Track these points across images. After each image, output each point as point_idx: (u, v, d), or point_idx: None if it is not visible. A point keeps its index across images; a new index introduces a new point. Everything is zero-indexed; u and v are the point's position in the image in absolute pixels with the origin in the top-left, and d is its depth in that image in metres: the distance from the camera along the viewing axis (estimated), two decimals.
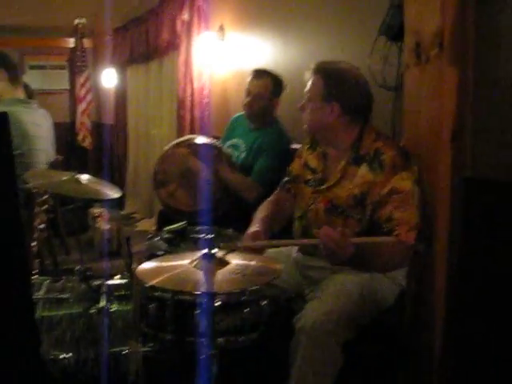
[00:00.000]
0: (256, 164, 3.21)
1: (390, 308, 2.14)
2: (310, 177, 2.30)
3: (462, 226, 2.08)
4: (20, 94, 3.30)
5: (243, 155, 3.33)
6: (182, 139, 3.37)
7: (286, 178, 2.45)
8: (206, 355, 1.57)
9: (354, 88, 2.14)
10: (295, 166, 2.42)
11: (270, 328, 1.90)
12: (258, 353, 1.94)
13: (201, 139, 3.39)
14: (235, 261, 1.52)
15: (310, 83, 2.20)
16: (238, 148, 3.38)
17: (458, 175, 2.07)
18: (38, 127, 3.31)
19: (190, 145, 3.26)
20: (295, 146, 3.30)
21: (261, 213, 2.34)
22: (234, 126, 3.57)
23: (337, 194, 2.15)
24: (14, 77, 3.20)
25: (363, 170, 2.09)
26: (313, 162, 2.31)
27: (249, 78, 3.37)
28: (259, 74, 3.36)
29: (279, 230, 2.35)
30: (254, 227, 2.18)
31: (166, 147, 3.34)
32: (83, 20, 7.71)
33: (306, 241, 2.13)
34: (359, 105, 2.16)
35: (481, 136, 2.02)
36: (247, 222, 2.28)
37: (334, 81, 2.13)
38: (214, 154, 3.23)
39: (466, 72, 2.02)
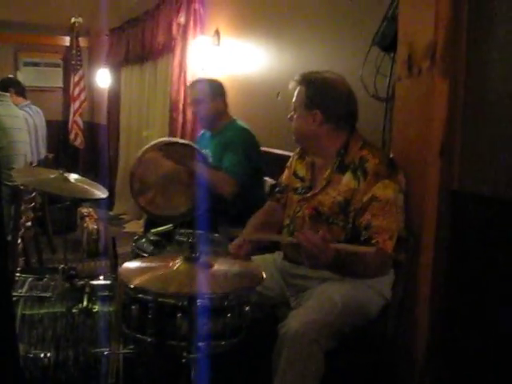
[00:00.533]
0: (224, 161, 3.21)
1: (374, 319, 2.14)
2: (298, 185, 2.32)
3: (449, 238, 2.09)
4: None
5: (211, 161, 3.35)
6: (152, 143, 3.31)
7: (277, 189, 2.47)
8: (187, 359, 1.56)
9: (336, 96, 2.15)
10: (284, 177, 2.46)
11: (252, 334, 1.89)
12: (240, 358, 1.94)
13: (172, 140, 3.41)
14: (218, 264, 1.51)
15: (295, 94, 2.23)
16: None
17: (446, 188, 2.09)
18: (15, 119, 3.28)
19: (162, 147, 3.23)
20: (281, 151, 3.33)
21: (250, 223, 2.37)
22: (200, 140, 3.59)
23: (321, 201, 2.16)
24: None
25: (347, 177, 2.10)
26: (301, 171, 2.33)
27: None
28: (192, 83, 3.51)
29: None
30: (240, 238, 2.21)
31: (138, 154, 3.30)
32: (80, 19, 7.70)
33: (289, 238, 2.13)
34: (342, 113, 2.16)
35: (469, 150, 2.04)
36: (228, 220, 2.30)
37: (316, 89, 2.16)
38: (188, 152, 3.23)
39: (457, 86, 2.04)
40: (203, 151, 3.39)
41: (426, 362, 2.13)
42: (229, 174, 3.12)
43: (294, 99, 2.23)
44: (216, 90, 3.38)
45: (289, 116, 2.26)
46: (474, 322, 2.00)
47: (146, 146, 3.29)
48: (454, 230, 2.08)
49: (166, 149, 3.22)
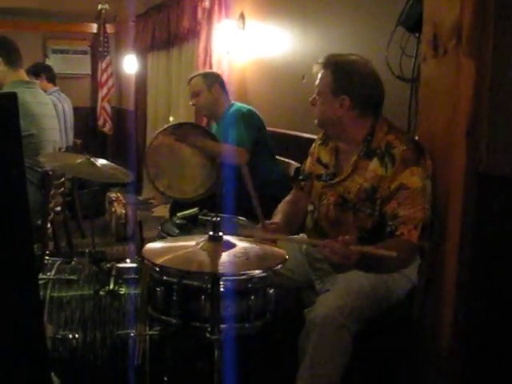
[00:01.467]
0: (229, 139, 3.30)
1: (400, 302, 2.13)
2: (322, 172, 2.28)
3: (475, 222, 2.07)
4: (22, 75, 3.31)
5: None
6: (163, 128, 3.40)
7: (300, 176, 2.45)
8: (210, 340, 1.58)
9: (364, 80, 2.09)
10: (307, 164, 2.41)
11: (276, 316, 1.90)
12: (264, 340, 1.95)
13: (181, 122, 3.56)
14: (241, 244, 1.52)
15: (319, 77, 2.17)
16: None
17: (473, 171, 2.05)
18: (43, 106, 3.31)
19: (173, 131, 3.32)
20: (309, 135, 3.32)
21: (277, 215, 2.35)
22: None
23: (348, 188, 2.13)
24: (13, 60, 3.21)
25: (374, 163, 2.06)
26: (325, 158, 2.29)
27: None
28: (189, 79, 3.63)
29: (297, 228, 2.37)
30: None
31: (151, 139, 3.38)
32: (106, 6, 7.73)
33: (315, 242, 2.10)
34: (369, 97, 2.11)
35: (497, 131, 2.00)
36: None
37: (343, 74, 2.09)
38: (197, 132, 3.36)
39: (484, 66, 1.99)
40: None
41: (452, 345, 2.11)
42: (238, 145, 3.24)
43: (317, 82, 2.17)
44: (210, 78, 3.56)
45: (310, 99, 2.20)
46: (500, 307, 1.98)
47: (157, 132, 3.39)
48: (480, 214, 2.05)
49: (176, 132, 3.32)
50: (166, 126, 3.41)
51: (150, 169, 3.28)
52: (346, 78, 2.09)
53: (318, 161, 2.32)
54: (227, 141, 3.31)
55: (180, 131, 3.33)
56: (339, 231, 2.10)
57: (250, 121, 3.34)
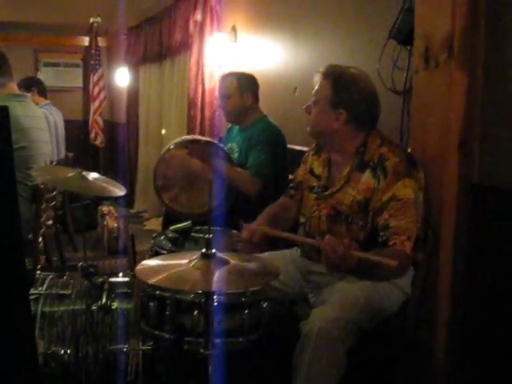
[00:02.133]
0: (249, 158, 3.19)
1: (394, 314, 2.12)
2: (314, 184, 2.28)
3: (468, 233, 2.07)
4: (13, 88, 3.28)
5: (236, 155, 3.33)
6: (177, 140, 3.30)
7: (291, 184, 2.44)
8: (204, 355, 1.56)
9: (363, 96, 2.08)
10: (300, 173, 2.41)
11: (270, 330, 1.89)
12: (258, 354, 1.93)
13: (196, 138, 3.38)
14: (233, 261, 1.51)
15: (317, 86, 2.16)
16: (233, 151, 3.38)
17: (465, 182, 2.06)
18: (34, 119, 3.28)
19: (187, 145, 3.21)
20: (300, 147, 3.32)
21: (262, 216, 2.35)
22: (228, 133, 3.59)
23: (340, 200, 2.12)
24: (3, 73, 3.18)
25: (367, 176, 2.06)
26: (318, 169, 2.29)
27: None
28: (223, 77, 3.48)
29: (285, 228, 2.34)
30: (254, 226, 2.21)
31: (163, 150, 3.29)
32: (98, 19, 7.75)
33: (310, 240, 2.09)
34: (366, 113, 2.11)
35: (489, 143, 2.00)
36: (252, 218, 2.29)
37: (344, 87, 2.08)
38: (212, 150, 3.19)
39: (476, 78, 2.01)
40: (228, 146, 3.40)
41: (447, 357, 2.10)
42: (253, 173, 3.10)
43: (315, 91, 2.16)
44: (245, 84, 3.34)
45: (305, 106, 2.19)
46: (495, 318, 1.98)
47: (171, 144, 3.28)
48: (473, 225, 2.05)
49: (190, 146, 3.19)
50: (180, 140, 3.31)
51: (158, 180, 3.20)
52: (346, 91, 2.08)
53: (311, 172, 2.32)
54: (245, 156, 3.22)
55: (194, 146, 3.20)
56: None
57: (276, 152, 3.18)
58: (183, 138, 3.43)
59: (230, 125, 3.62)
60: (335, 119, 2.10)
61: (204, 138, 3.37)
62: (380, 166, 2.04)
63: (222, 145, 3.36)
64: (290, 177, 3.26)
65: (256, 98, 3.38)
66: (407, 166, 2.02)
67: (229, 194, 3.14)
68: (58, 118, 5.04)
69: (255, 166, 3.12)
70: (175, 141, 3.30)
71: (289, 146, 3.53)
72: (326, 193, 2.19)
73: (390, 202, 1.98)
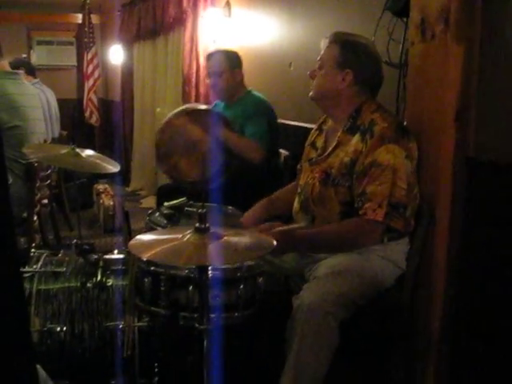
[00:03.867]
0: (248, 129, 3.20)
1: (389, 289, 2.12)
2: (313, 155, 2.30)
3: (464, 207, 2.06)
4: (5, 66, 3.25)
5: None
6: (179, 109, 3.29)
7: (298, 166, 2.46)
8: (199, 330, 1.55)
9: (370, 59, 2.13)
10: (303, 157, 2.42)
11: (266, 305, 1.89)
12: (253, 329, 1.94)
13: (198, 106, 3.36)
14: (227, 235, 1.50)
15: (324, 51, 2.18)
16: None
17: (461, 156, 2.04)
18: (28, 97, 3.26)
19: (189, 113, 3.20)
20: (295, 122, 3.30)
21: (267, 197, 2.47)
22: (216, 108, 3.56)
23: (331, 163, 2.14)
24: None
25: (356, 138, 2.08)
26: (318, 142, 2.32)
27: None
28: (210, 55, 3.46)
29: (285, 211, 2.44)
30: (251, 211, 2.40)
31: (165, 118, 3.26)
32: None
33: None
34: (371, 77, 2.14)
35: (486, 115, 1.98)
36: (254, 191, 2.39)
37: (352, 49, 2.12)
38: (213, 118, 3.19)
39: (472, 49, 1.98)
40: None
41: (442, 333, 2.11)
42: (257, 140, 3.13)
43: (321, 55, 2.19)
44: (234, 60, 3.36)
45: (309, 72, 2.22)
46: (491, 293, 1.98)
47: (174, 111, 3.25)
48: (469, 199, 2.04)
49: (193, 115, 3.18)
50: (182, 108, 3.29)
51: (160, 148, 3.18)
52: (353, 53, 2.12)
53: (312, 145, 2.35)
54: (241, 129, 3.22)
55: (197, 114, 3.19)
56: (324, 207, 2.13)
57: (271, 123, 3.22)
58: (186, 106, 3.41)
59: (214, 102, 3.62)
60: (341, 79, 2.13)
61: (204, 106, 3.36)
62: (369, 130, 2.05)
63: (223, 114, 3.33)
64: (283, 152, 3.28)
65: (243, 75, 3.39)
66: (395, 133, 2.02)
67: (228, 163, 3.14)
68: (49, 95, 4.99)
69: (258, 133, 3.15)
70: (178, 109, 3.28)
71: (283, 121, 3.52)
72: (319, 158, 2.22)
73: (371, 167, 1.99)
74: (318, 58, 2.20)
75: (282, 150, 3.31)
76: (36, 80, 5.01)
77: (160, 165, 3.28)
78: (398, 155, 1.99)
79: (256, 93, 3.38)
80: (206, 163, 3.15)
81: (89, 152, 2.46)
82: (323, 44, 2.19)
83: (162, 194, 3.39)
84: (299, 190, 2.30)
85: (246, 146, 3.14)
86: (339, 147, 2.13)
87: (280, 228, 2.04)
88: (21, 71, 4.06)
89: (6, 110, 3.06)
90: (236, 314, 1.77)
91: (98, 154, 2.53)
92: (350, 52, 2.12)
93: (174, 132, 3.17)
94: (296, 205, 2.31)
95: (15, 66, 4.78)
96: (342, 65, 2.12)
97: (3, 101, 3.07)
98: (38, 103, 3.43)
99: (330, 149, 2.17)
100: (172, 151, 3.18)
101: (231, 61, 3.35)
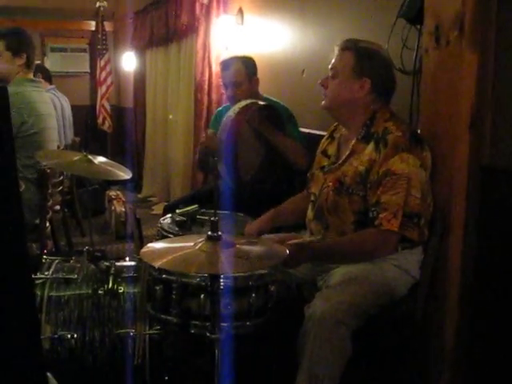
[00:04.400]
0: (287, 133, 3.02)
1: (402, 299, 2.10)
2: (325, 163, 2.29)
3: (479, 216, 2.03)
4: (29, 73, 3.31)
5: None
6: (241, 106, 2.86)
7: (308, 175, 2.45)
8: (211, 339, 1.54)
9: (386, 66, 2.12)
10: (314, 165, 2.40)
11: (278, 314, 1.87)
12: (265, 338, 1.92)
13: (249, 103, 2.92)
14: (240, 243, 1.49)
15: (337, 58, 2.15)
16: None
17: (476, 164, 2.02)
18: (48, 105, 3.33)
19: (247, 111, 2.84)
20: (307, 130, 3.28)
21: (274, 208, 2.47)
22: (217, 117, 3.38)
23: (345, 172, 2.12)
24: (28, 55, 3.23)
25: (370, 147, 2.06)
26: (330, 150, 2.30)
27: (220, 72, 3.32)
28: (226, 63, 3.26)
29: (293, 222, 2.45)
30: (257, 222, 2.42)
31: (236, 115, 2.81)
32: (104, 3, 7.70)
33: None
34: (387, 84, 2.13)
35: (501, 123, 1.96)
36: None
37: (366, 56, 2.10)
38: (263, 115, 2.93)
39: (487, 57, 1.96)
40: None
41: (456, 343, 2.08)
42: (301, 145, 2.99)
43: (334, 64, 2.15)
44: (250, 68, 3.24)
45: (320, 81, 2.19)
46: (506, 302, 1.95)
47: (237, 108, 2.84)
48: (484, 208, 2.02)
49: (249, 113, 2.86)
50: (248, 104, 2.88)
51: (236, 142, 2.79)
52: (369, 60, 2.10)
53: (324, 153, 2.33)
54: None
55: (255, 113, 2.89)
56: (338, 216, 2.12)
57: (295, 120, 3.13)
58: (244, 102, 2.95)
59: (221, 108, 3.53)
60: (359, 87, 2.10)
61: (260, 103, 2.97)
62: (383, 139, 2.03)
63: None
64: None
65: (258, 81, 3.29)
66: (409, 142, 2.00)
67: (270, 168, 2.95)
68: (64, 102, 5.04)
69: (299, 138, 3.03)
70: (239, 105, 2.87)
71: None
72: (333, 166, 2.20)
73: (385, 177, 1.97)
74: (331, 67, 2.17)
75: None
76: (52, 86, 5.05)
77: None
78: (412, 164, 1.97)
79: (273, 98, 3.27)
80: (251, 161, 2.95)
81: (101, 159, 2.46)
82: (335, 51, 2.16)
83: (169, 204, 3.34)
84: (313, 198, 2.29)
85: (294, 150, 2.96)
86: (353, 156, 2.11)
87: (295, 241, 2.01)
88: (40, 79, 4.11)
89: (31, 116, 3.12)
90: (248, 323, 1.76)
91: (110, 161, 2.53)
92: (365, 59, 2.09)
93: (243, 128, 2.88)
94: (309, 213, 2.29)
95: (33, 71, 4.83)
96: (360, 73, 2.09)
97: (29, 108, 3.13)
98: (53, 111, 3.49)
99: (344, 157, 2.15)
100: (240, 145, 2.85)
101: (249, 69, 3.21)
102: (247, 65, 3.23)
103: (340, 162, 2.17)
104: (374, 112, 2.12)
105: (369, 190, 2.03)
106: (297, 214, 2.43)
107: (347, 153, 2.14)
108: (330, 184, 2.17)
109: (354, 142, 2.13)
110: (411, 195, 1.96)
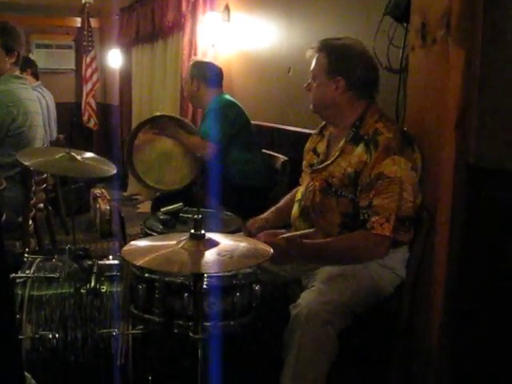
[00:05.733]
0: (200, 129, 3.41)
1: (388, 298, 2.10)
2: (314, 161, 2.27)
3: (465, 215, 2.03)
4: (16, 69, 3.27)
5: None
6: (140, 123, 3.48)
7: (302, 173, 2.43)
8: (194, 339, 1.52)
9: (359, 61, 2.08)
10: (304, 163, 2.39)
11: (263, 313, 1.86)
12: (250, 337, 1.90)
13: (154, 115, 3.52)
14: (223, 242, 1.47)
15: (313, 61, 2.15)
16: None
17: (462, 163, 2.01)
18: (35, 103, 3.29)
19: (152, 126, 3.38)
20: (294, 128, 3.27)
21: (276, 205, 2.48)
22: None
23: (332, 172, 2.11)
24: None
25: (360, 149, 2.04)
26: (320, 148, 2.28)
27: None
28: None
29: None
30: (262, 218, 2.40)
31: (128, 138, 3.44)
32: None
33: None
34: (364, 78, 2.10)
35: (487, 122, 1.96)
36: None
37: (338, 56, 2.08)
38: (173, 124, 3.40)
39: (474, 55, 1.95)
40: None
41: (442, 341, 2.08)
42: (202, 138, 3.28)
43: (312, 67, 2.15)
44: (195, 70, 3.56)
45: (305, 85, 2.19)
46: (490, 303, 1.95)
47: (134, 130, 3.46)
48: (470, 206, 2.01)
49: (154, 126, 3.37)
50: (140, 123, 3.46)
51: (137, 167, 3.34)
52: (341, 59, 2.08)
53: (314, 150, 2.32)
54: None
55: (158, 124, 3.38)
56: (323, 217, 2.10)
57: (222, 114, 3.31)
58: (145, 118, 3.57)
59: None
60: (335, 88, 2.09)
61: (164, 114, 3.60)
62: (373, 140, 2.01)
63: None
64: (281, 157, 3.28)
65: (207, 84, 3.52)
66: (400, 144, 1.98)
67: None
68: (49, 99, 4.97)
69: (204, 131, 3.32)
70: (138, 124, 3.50)
71: (282, 126, 3.49)
72: (320, 166, 2.18)
73: (378, 180, 1.96)
74: (310, 70, 2.17)
75: (280, 156, 3.29)
76: (38, 83, 4.98)
77: (143, 183, 3.41)
78: (404, 167, 1.96)
79: (223, 97, 3.51)
80: (185, 167, 3.35)
81: (85, 154, 2.42)
82: (308, 54, 2.17)
83: (157, 200, 3.46)
84: (299, 197, 2.27)
85: (193, 145, 3.32)
86: (342, 156, 2.09)
87: (285, 235, 2.00)
88: (26, 76, 4.05)
89: (20, 114, 3.09)
90: (232, 322, 1.74)
91: (95, 156, 2.50)
92: (337, 59, 2.08)
93: (145, 148, 3.36)
94: (295, 211, 2.27)
95: (23, 66, 4.76)
96: (332, 73, 2.09)
97: (18, 106, 3.09)
98: (39, 109, 3.44)
99: (332, 158, 2.13)
100: (150, 167, 3.35)
101: (192, 70, 3.58)
102: (194, 66, 3.64)
103: (328, 162, 2.14)
104: (362, 112, 2.10)
105: (359, 193, 2.01)
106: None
107: (336, 154, 2.11)
108: (317, 184, 2.16)
109: (342, 142, 2.11)
110: (403, 199, 1.96)
